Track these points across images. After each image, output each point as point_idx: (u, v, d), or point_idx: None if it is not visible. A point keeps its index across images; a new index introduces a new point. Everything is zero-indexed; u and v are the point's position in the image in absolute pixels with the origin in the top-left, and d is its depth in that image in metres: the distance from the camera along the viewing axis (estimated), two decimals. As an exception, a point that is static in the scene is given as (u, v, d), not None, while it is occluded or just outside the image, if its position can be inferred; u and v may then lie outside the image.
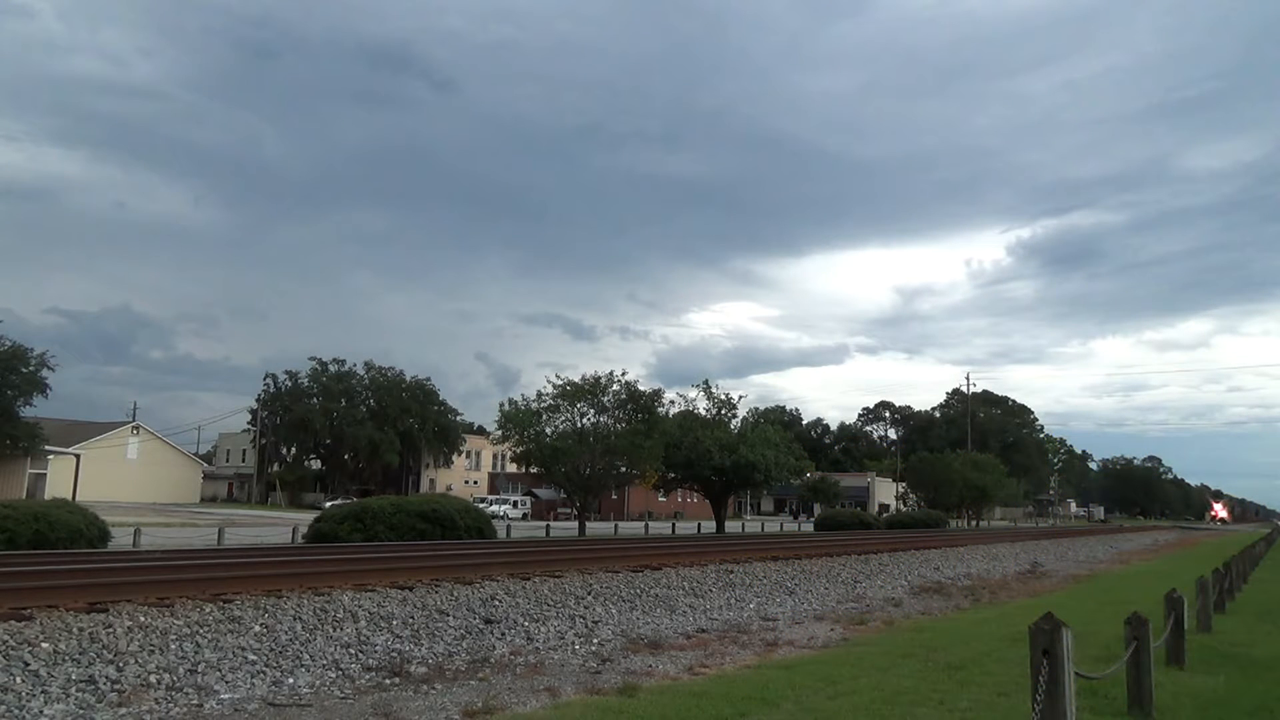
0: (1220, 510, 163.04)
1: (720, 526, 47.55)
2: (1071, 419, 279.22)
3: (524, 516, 61.30)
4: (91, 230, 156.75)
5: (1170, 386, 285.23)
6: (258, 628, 9.39)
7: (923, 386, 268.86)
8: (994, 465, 74.13)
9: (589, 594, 13.61)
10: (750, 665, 9.68)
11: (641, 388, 40.12)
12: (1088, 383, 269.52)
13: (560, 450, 38.05)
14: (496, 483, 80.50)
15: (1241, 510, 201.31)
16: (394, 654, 9.52)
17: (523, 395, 45.30)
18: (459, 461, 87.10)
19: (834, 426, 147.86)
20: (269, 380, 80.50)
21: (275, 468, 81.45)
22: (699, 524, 51.16)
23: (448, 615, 11.18)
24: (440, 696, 7.88)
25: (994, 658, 9.70)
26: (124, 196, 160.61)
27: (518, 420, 38.52)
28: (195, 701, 7.44)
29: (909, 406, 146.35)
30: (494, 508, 50.27)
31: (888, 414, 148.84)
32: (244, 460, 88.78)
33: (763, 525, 57.82)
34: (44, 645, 7.87)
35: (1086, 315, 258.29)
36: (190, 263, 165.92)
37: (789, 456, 47.53)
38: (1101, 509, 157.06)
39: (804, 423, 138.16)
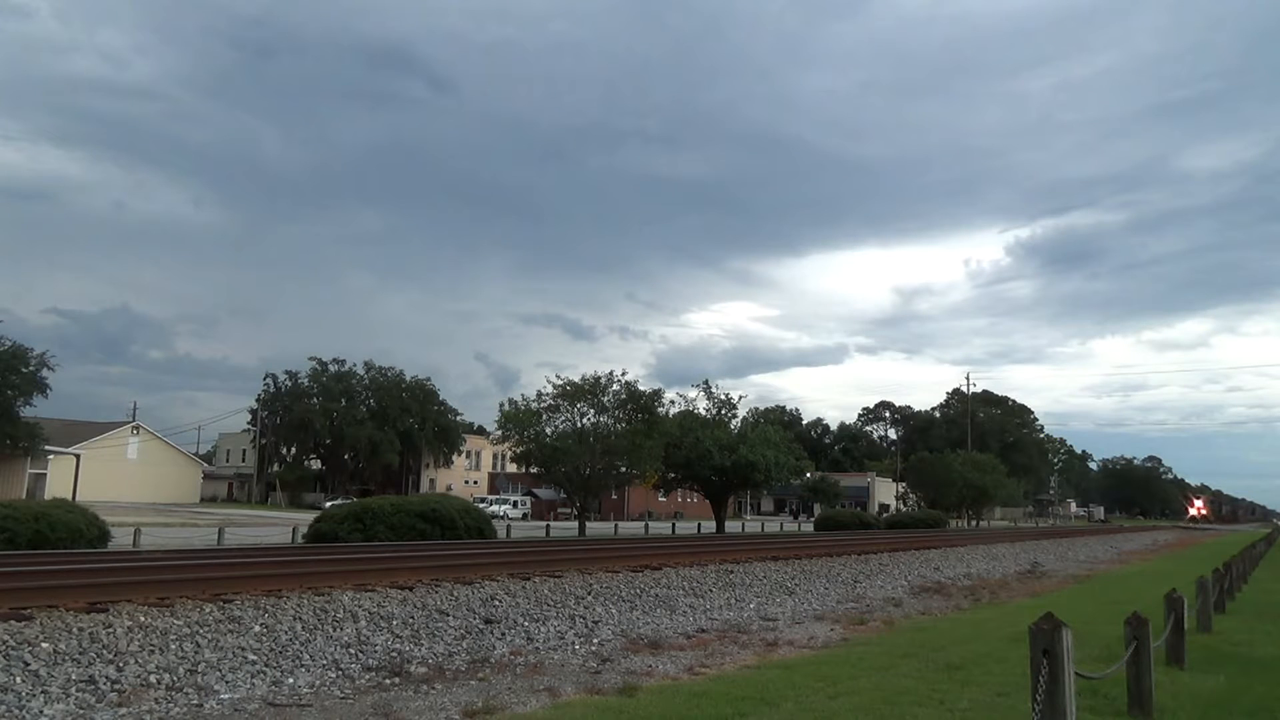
0: (1200, 507, 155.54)
1: (720, 526, 47.54)
2: (1071, 419, 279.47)
3: (524, 516, 61.32)
4: (91, 230, 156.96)
5: (1170, 386, 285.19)
6: (258, 628, 9.39)
7: (922, 386, 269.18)
8: (994, 465, 74.17)
9: (589, 594, 13.61)
10: (750, 665, 9.68)
11: (641, 388, 40.18)
12: (1087, 383, 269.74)
13: (560, 450, 38.05)
14: (496, 483, 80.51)
15: (1233, 509, 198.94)
16: (394, 654, 9.52)
17: (523, 395, 45.31)
18: (459, 461, 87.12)
19: (834, 426, 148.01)
20: (269, 380, 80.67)
21: (275, 468, 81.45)
22: (699, 524, 51.17)
23: (448, 615, 11.18)
24: (440, 696, 7.88)
25: (994, 658, 9.70)
26: (123, 196, 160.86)
27: (518, 420, 38.53)
28: (195, 701, 7.44)
29: (909, 406, 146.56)
30: (494, 508, 50.31)
31: (888, 414, 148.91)
32: (244, 460, 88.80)
33: (763, 525, 57.83)
34: (44, 645, 7.87)
35: (1085, 315, 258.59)
36: (190, 263, 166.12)
37: (789, 456, 47.51)
38: (1101, 509, 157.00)
39: (804, 423, 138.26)
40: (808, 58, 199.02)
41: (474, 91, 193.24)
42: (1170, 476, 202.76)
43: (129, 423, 75.70)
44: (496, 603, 12.13)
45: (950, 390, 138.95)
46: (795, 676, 8.58)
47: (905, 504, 77.52)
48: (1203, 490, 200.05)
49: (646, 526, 47.52)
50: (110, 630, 8.52)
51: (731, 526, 52.16)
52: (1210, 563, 22.34)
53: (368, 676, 8.71)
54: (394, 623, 10.46)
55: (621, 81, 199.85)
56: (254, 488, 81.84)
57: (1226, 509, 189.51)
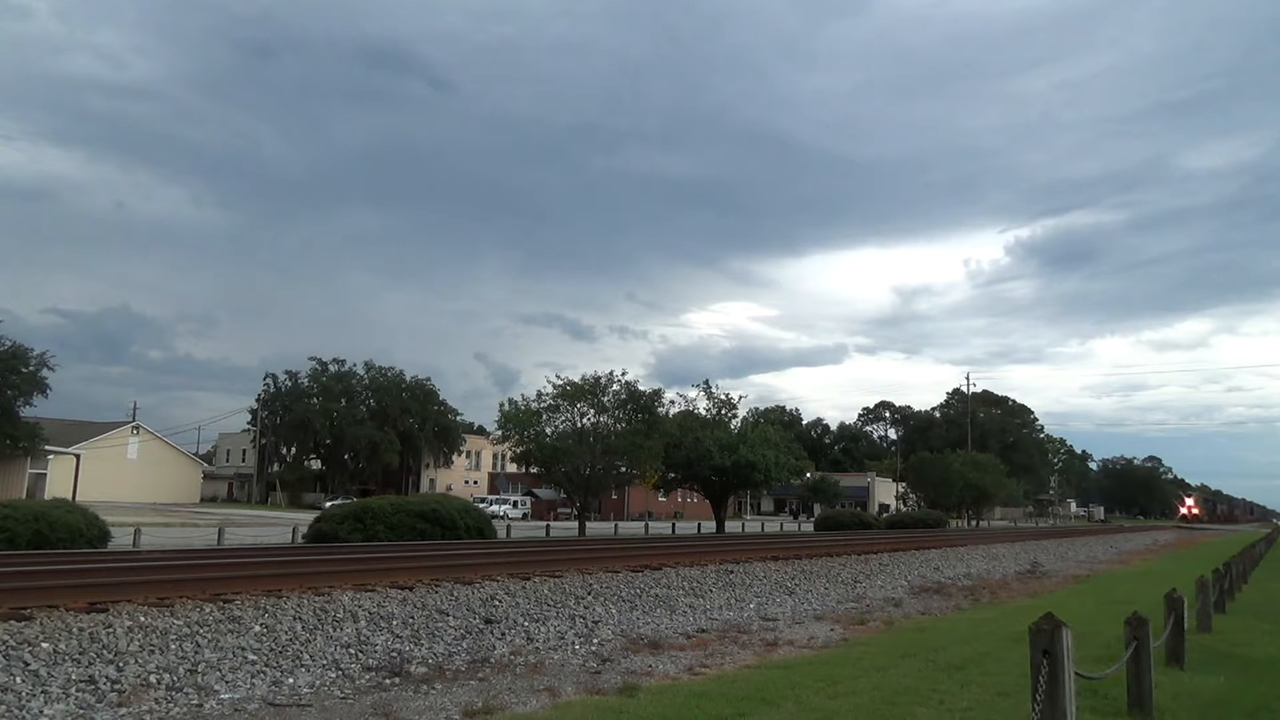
0: (1190, 506, 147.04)
1: (720, 526, 47.55)
2: (1071, 419, 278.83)
3: (524, 516, 61.32)
4: (90, 230, 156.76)
5: (1169, 386, 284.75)
6: (258, 628, 9.39)
7: (922, 386, 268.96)
8: (994, 465, 74.15)
9: (589, 594, 13.61)
10: (750, 665, 9.68)
11: (641, 388, 40.18)
12: (1087, 382, 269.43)
13: (560, 450, 38.04)
14: (496, 483, 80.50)
15: (1230, 508, 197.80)
16: (394, 654, 9.52)
17: (523, 395, 45.29)
18: (459, 461, 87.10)
19: (834, 426, 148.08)
20: (269, 380, 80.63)
21: (275, 468, 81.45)
22: (699, 524, 51.17)
23: (448, 615, 11.18)
24: (440, 696, 7.88)
25: (994, 658, 9.70)
26: (122, 196, 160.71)
27: (518, 420, 38.53)
28: (195, 701, 7.44)
29: (909, 406, 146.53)
30: (494, 508, 50.30)
31: (888, 414, 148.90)
32: (244, 460, 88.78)
33: (763, 525, 57.83)
34: (44, 645, 7.87)
35: (1085, 315, 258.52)
36: (189, 263, 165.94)
37: (789, 456, 47.52)
38: (1101, 509, 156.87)
39: (804, 423, 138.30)
40: (807, 57, 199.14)
41: (474, 91, 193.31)
42: (1170, 476, 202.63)
43: (129, 423, 75.68)
44: (496, 603, 12.13)
45: (950, 390, 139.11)
46: (795, 676, 8.58)
47: (905, 504, 77.45)
48: (1202, 490, 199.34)
49: (646, 526, 47.52)
50: (110, 630, 8.51)
51: (731, 526, 52.17)
52: (1210, 563, 22.34)
53: (368, 676, 8.72)
54: (394, 623, 10.46)
55: (621, 81, 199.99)
56: (254, 488, 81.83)
57: (1222, 508, 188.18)
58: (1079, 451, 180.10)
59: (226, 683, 7.99)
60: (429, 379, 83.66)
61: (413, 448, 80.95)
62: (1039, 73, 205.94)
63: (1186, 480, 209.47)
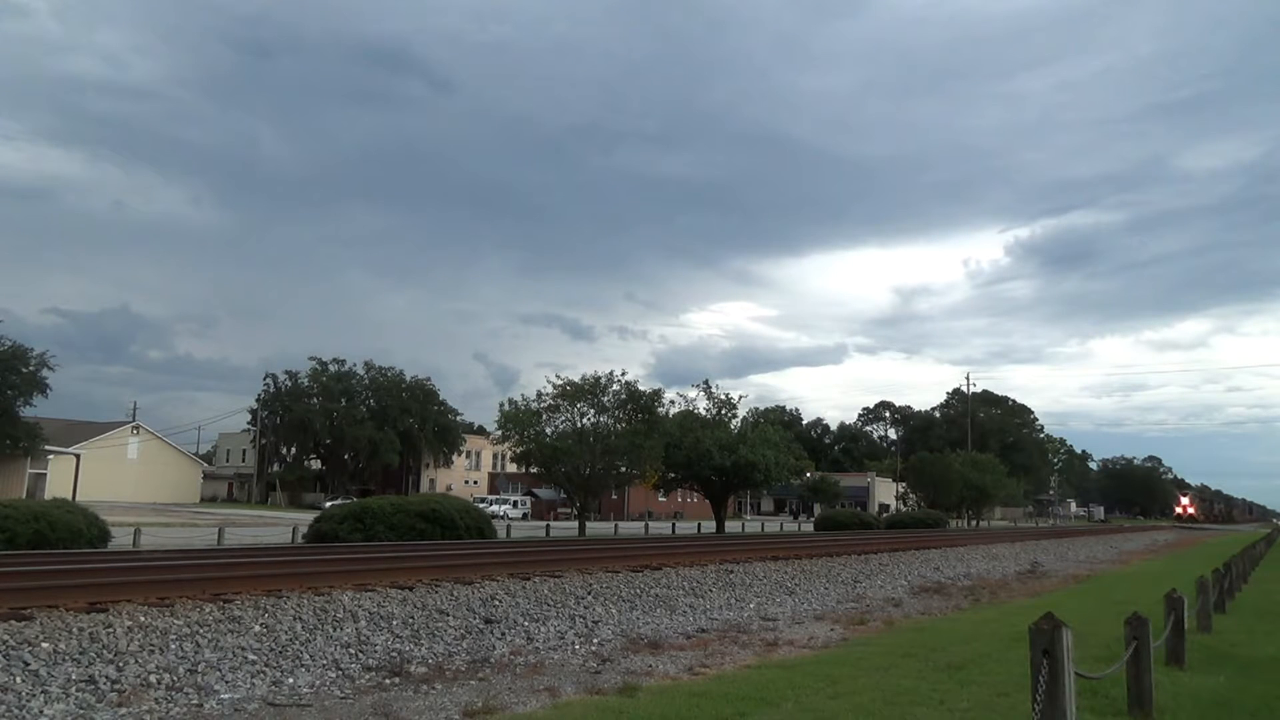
0: (1185, 506, 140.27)
1: (720, 526, 47.56)
2: (1071, 419, 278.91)
3: (524, 516, 61.32)
4: (90, 230, 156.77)
5: (1169, 386, 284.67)
6: (258, 628, 9.39)
7: (922, 386, 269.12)
8: (994, 465, 74.14)
9: (589, 594, 13.61)
10: (750, 665, 9.68)
11: (641, 388, 40.19)
12: (1086, 382, 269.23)
13: (560, 450, 38.06)
14: (496, 483, 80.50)
15: (1228, 508, 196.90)
16: (394, 654, 9.53)
17: (523, 395, 45.32)
18: (459, 461, 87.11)
19: (834, 426, 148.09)
20: (269, 380, 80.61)
21: (275, 468, 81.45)
22: (699, 524, 51.17)
23: (448, 615, 11.18)
24: (440, 696, 7.88)
25: (994, 658, 9.70)
26: (122, 196, 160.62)
27: (518, 420, 38.55)
28: (195, 701, 7.44)
29: (909, 406, 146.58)
30: (494, 508, 50.30)
31: (888, 414, 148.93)
32: (244, 460, 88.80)
33: (763, 525, 57.82)
34: (44, 645, 7.87)
35: (1085, 315, 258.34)
36: (189, 263, 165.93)
37: (789, 456, 47.52)
38: (1101, 509, 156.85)
39: (804, 423, 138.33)
40: (807, 57, 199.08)
41: (473, 91, 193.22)
42: (1170, 476, 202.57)
43: (129, 423, 75.69)
44: (496, 603, 12.14)
45: (950, 390, 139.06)
46: (795, 676, 8.58)
47: (905, 504, 77.41)
48: (1201, 490, 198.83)
49: (646, 526, 47.52)
50: (110, 630, 8.52)
51: (731, 526, 52.17)
52: (1210, 563, 22.34)
53: (368, 676, 8.72)
54: (394, 623, 10.46)
55: (621, 81, 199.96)
56: (254, 488, 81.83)
57: (1220, 507, 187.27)
58: (1079, 451, 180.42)
59: (226, 683, 8.00)
60: (429, 379, 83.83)
61: (413, 448, 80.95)
62: (1038, 73, 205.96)
63: (1186, 480, 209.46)
